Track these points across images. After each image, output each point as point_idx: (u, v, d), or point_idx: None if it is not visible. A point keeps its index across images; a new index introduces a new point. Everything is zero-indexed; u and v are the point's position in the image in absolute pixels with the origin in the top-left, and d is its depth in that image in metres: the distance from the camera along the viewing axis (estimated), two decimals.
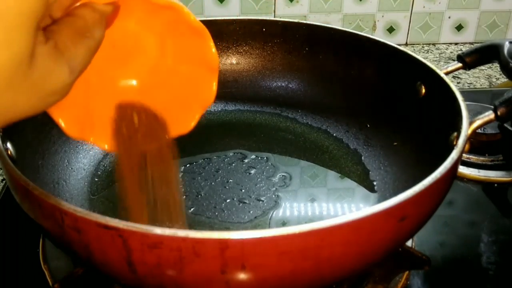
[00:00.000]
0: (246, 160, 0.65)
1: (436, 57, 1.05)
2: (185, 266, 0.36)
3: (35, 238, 0.55)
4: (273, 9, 1.05)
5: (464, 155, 0.63)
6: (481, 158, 0.69)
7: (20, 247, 0.55)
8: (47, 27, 0.33)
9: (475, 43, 1.11)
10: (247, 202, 0.58)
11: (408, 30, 1.09)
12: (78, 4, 0.36)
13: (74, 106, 0.42)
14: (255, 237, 0.35)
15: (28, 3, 0.27)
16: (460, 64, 0.66)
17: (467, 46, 1.10)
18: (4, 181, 0.66)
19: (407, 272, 0.52)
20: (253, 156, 0.65)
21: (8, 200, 0.61)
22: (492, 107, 0.52)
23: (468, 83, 0.96)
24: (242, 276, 0.36)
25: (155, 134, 0.47)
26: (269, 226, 0.55)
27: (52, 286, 0.50)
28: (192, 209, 0.56)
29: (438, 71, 0.57)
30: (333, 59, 0.73)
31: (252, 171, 0.63)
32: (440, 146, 0.51)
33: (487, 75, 0.99)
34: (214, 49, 0.45)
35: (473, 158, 0.69)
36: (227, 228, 0.54)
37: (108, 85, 0.44)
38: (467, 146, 0.47)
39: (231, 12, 1.03)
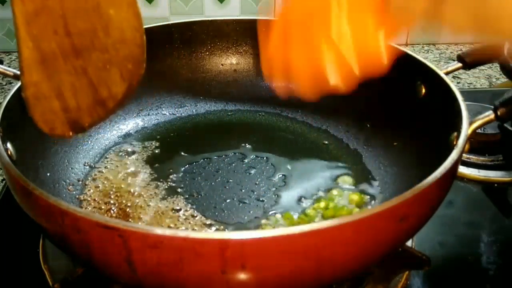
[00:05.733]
0: (246, 160, 0.65)
1: (436, 57, 1.05)
2: (185, 266, 0.36)
3: (35, 238, 0.55)
4: (273, 9, 1.04)
5: (464, 155, 0.63)
6: (481, 158, 0.69)
7: (20, 247, 0.55)
8: None
9: (475, 43, 1.11)
10: (247, 202, 0.58)
11: (408, 30, 1.09)
12: None
13: None
14: (255, 237, 0.35)
15: None
16: (460, 64, 0.66)
17: (467, 46, 1.10)
18: (4, 181, 0.66)
19: (407, 272, 0.52)
20: (253, 156, 0.65)
21: (8, 200, 0.61)
22: (492, 107, 0.52)
23: (468, 83, 0.96)
24: (242, 276, 0.36)
25: None
26: (269, 226, 0.55)
27: (52, 286, 0.50)
28: (192, 209, 0.56)
29: (438, 71, 0.57)
30: None
31: (252, 171, 0.63)
32: (440, 146, 0.51)
33: (487, 75, 0.99)
34: None
35: (473, 158, 0.69)
36: (227, 228, 0.54)
37: None
38: (467, 146, 0.47)
39: (231, 12, 1.03)
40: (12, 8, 0.42)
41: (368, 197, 0.59)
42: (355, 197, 0.58)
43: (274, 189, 0.60)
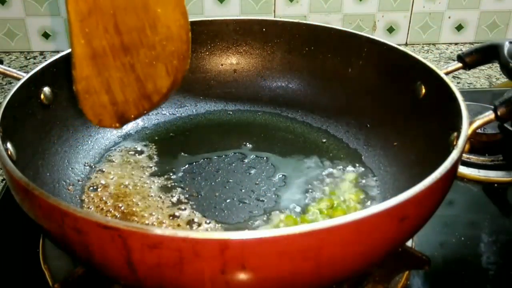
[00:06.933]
0: (246, 160, 0.65)
1: (436, 57, 1.05)
2: (185, 266, 0.36)
3: (35, 238, 0.55)
4: (273, 9, 1.05)
5: (464, 155, 0.63)
6: (481, 158, 0.69)
7: (20, 247, 0.55)
8: None
9: (475, 43, 1.11)
10: (247, 202, 0.58)
11: (408, 30, 1.09)
12: None
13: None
14: (255, 237, 0.35)
15: None
16: (460, 64, 0.66)
17: (467, 46, 1.10)
18: (4, 181, 0.66)
19: (407, 272, 0.52)
20: (253, 156, 0.65)
21: (8, 200, 0.61)
22: (492, 107, 0.52)
23: (468, 83, 0.96)
24: (242, 276, 0.36)
25: None
26: (269, 226, 0.55)
27: (52, 286, 0.50)
28: (192, 209, 0.56)
29: (438, 71, 0.57)
30: (333, 59, 0.73)
31: (252, 171, 0.63)
32: (440, 146, 0.51)
33: (487, 75, 0.99)
34: None
35: (473, 158, 0.69)
36: (227, 228, 0.54)
37: None
38: (467, 146, 0.47)
39: (231, 12, 1.03)
40: (66, 7, 0.45)
41: (368, 197, 0.59)
42: (355, 197, 0.58)
43: (274, 189, 0.60)
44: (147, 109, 0.53)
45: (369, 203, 0.58)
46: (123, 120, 0.52)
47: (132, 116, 0.52)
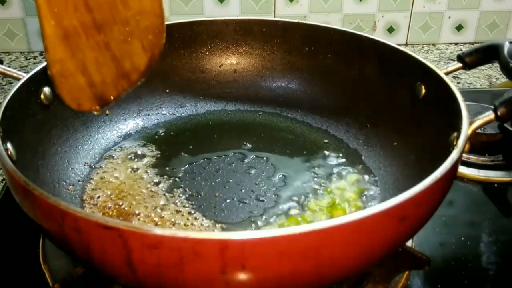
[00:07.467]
0: (246, 160, 0.65)
1: (436, 57, 1.05)
2: (185, 266, 0.36)
3: (35, 238, 0.55)
4: (273, 9, 1.05)
5: (464, 155, 0.63)
6: (481, 158, 0.69)
7: (20, 247, 0.55)
8: None
9: (475, 43, 1.11)
10: (247, 202, 0.58)
11: (408, 30, 1.09)
12: None
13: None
14: (255, 237, 0.35)
15: None
16: (460, 64, 0.66)
17: (467, 46, 1.10)
18: (4, 181, 0.66)
19: (407, 272, 0.52)
20: (253, 156, 0.65)
21: (8, 200, 0.61)
22: (492, 107, 0.52)
23: (468, 83, 0.96)
24: (242, 276, 0.36)
25: None
26: (269, 226, 0.55)
27: (52, 286, 0.50)
28: (192, 209, 0.56)
29: (438, 71, 0.57)
30: (333, 59, 0.73)
31: (252, 171, 0.63)
32: (440, 146, 0.51)
33: (487, 75, 0.99)
34: None
35: (473, 158, 0.69)
36: (227, 228, 0.54)
37: None
38: (467, 146, 0.47)
39: (231, 12, 1.03)
40: None
41: (368, 197, 0.59)
42: (355, 197, 0.58)
43: (274, 189, 0.60)
44: (126, 88, 0.51)
45: (369, 203, 0.58)
46: (102, 102, 0.51)
47: (112, 97, 0.51)
